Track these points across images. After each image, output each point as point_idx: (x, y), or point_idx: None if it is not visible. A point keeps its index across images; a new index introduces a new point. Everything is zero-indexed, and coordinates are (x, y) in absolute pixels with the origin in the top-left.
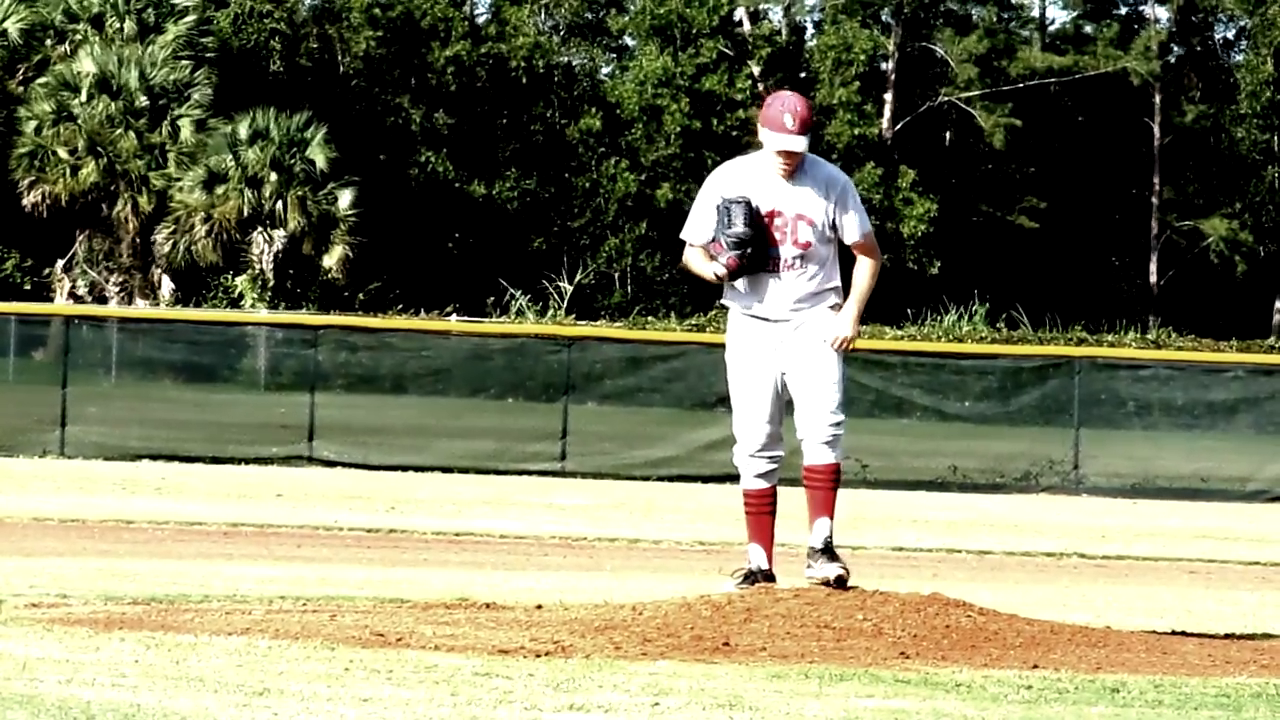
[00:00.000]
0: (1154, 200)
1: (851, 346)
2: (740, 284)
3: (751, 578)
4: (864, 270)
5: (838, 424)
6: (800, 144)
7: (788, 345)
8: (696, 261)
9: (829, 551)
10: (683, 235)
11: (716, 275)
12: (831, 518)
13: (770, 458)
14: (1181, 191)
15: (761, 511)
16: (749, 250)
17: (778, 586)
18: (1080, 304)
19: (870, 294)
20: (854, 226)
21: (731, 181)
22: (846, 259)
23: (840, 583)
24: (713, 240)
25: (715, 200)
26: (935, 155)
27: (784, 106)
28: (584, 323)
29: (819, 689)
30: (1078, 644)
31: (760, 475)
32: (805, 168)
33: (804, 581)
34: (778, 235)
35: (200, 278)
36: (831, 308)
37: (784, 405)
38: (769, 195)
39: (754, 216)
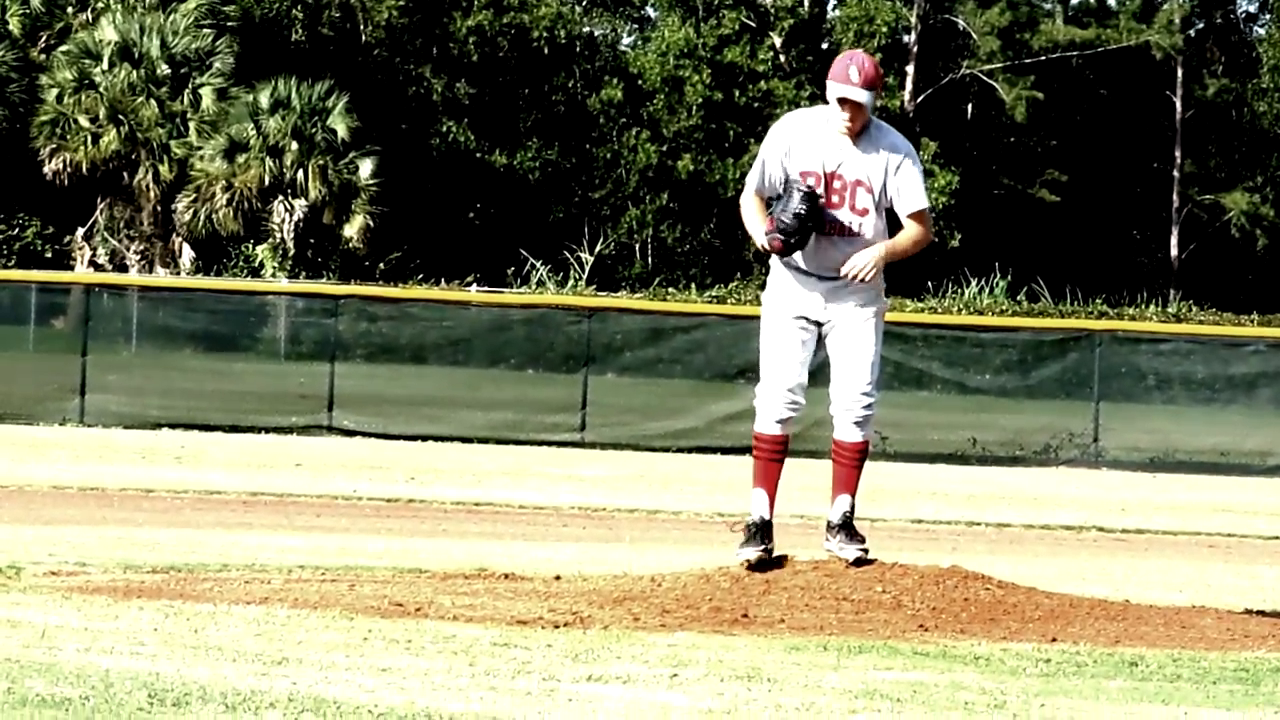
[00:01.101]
0: (1175, 174)
1: (862, 277)
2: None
3: (750, 533)
4: (909, 231)
5: (869, 404)
6: (862, 95)
7: (831, 305)
8: (751, 217)
9: (849, 528)
10: (747, 180)
11: (762, 247)
12: (854, 495)
13: (792, 404)
14: (1203, 165)
15: (773, 458)
16: (795, 239)
17: (795, 558)
18: (1101, 277)
19: (903, 255)
20: (910, 197)
21: (796, 133)
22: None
23: (859, 564)
24: (769, 213)
25: (781, 152)
26: (957, 128)
27: (851, 60)
28: (604, 294)
29: (837, 661)
30: (1096, 617)
31: (780, 420)
32: (870, 133)
33: (822, 554)
34: (835, 199)
35: (221, 247)
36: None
37: (813, 359)
38: (831, 156)
39: (812, 206)
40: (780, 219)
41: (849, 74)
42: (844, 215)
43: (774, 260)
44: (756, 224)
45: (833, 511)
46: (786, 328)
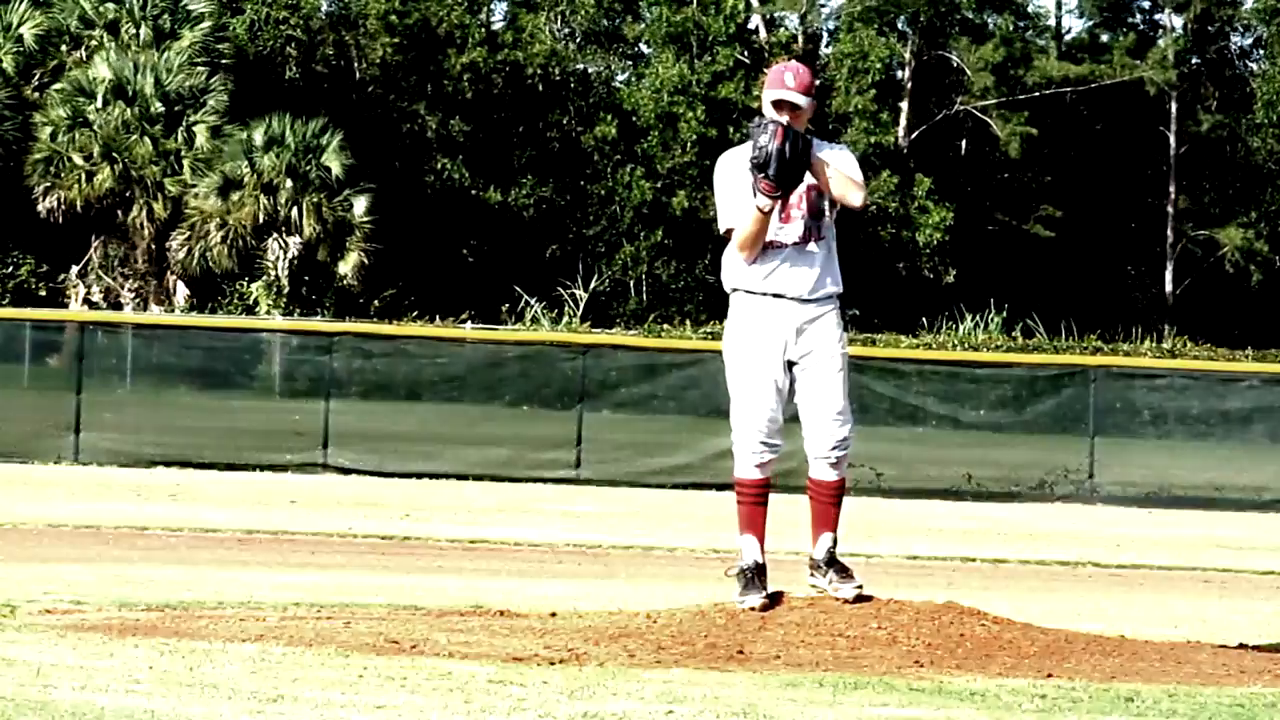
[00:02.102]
0: (1169, 209)
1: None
2: (758, 264)
3: (748, 579)
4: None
5: (843, 442)
6: (800, 99)
7: (802, 342)
8: (742, 224)
9: (838, 565)
10: (723, 226)
11: (761, 210)
12: (835, 531)
13: (772, 447)
14: (1197, 201)
15: (758, 501)
16: (783, 176)
17: (788, 593)
18: (1096, 313)
19: (830, 182)
20: (850, 168)
21: (740, 163)
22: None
23: (858, 600)
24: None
25: (734, 181)
26: (951, 164)
27: (785, 67)
28: (599, 330)
29: (833, 697)
30: (1092, 653)
31: (760, 465)
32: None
33: (808, 589)
34: (792, 211)
35: (215, 284)
36: (838, 316)
37: (789, 395)
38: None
39: (787, 139)
40: (756, 160)
41: (785, 79)
42: (804, 224)
43: (737, 298)
44: (749, 215)
45: (817, 550)
46: (757, 370)
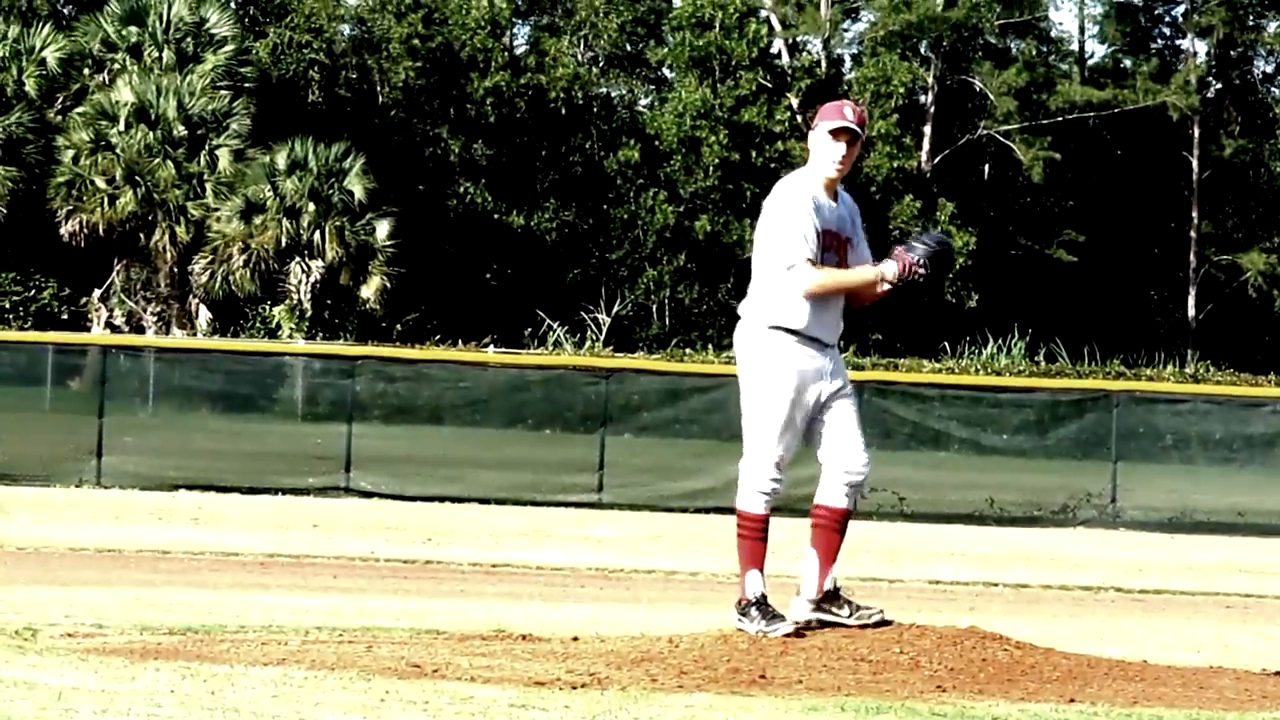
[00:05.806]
0: (1192, 234)
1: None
2: (808, 307)
3: (764, 609)
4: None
5: (866, 467)
6: (857, 129)
7: (827, 378)
8: (840, 275)
9: (847, 600)
10: (804, 256)
11: (885, 278)
12: (835, 562)
13: (781, 482)
14: (1220, 226)
15: (761, 537)
16: (929, 267)
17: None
18: (1118, 338)
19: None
20: (866, 250)
21: (810, 194)
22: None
23: (880, 625)
24: (904, 247)
25: (812, 210)
26: (974, 188)
27: (843, 102)
28: (622, 354)
29: None
30: (1115, 678)
31: (768, 499)
32: (839, 191)
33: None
34: (835, 256)
35: (238, 308)
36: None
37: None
38: (833, 216)
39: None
40: (926, 254)
41: (844, 112)
42: None
43: (775, 337)
44: (859, 270)
45: (826, 582)
46: (793, 413)
